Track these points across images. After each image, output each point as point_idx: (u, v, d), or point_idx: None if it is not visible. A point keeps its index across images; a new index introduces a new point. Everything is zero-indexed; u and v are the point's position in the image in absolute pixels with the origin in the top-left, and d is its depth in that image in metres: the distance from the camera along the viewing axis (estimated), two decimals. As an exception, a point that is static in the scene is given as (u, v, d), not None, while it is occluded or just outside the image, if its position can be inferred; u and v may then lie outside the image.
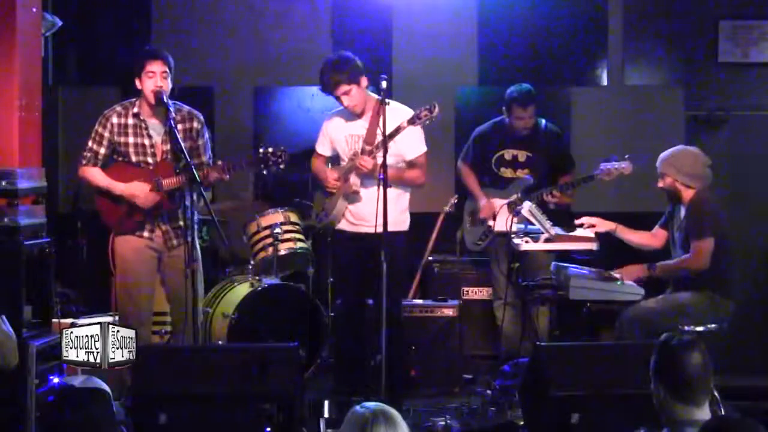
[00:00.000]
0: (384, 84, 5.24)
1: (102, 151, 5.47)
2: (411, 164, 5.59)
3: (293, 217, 6.57)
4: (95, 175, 5.47)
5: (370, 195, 5.43)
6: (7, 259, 4.81)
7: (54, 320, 5.20)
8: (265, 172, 5.56)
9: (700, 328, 5.42)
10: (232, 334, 6.03)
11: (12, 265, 4.81)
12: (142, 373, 4.47)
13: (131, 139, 5.45)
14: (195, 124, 5.58)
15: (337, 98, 5.58)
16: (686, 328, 5.36)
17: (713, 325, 5.50)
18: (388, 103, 5.30)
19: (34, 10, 5.59)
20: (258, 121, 7.89)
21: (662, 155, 5.72)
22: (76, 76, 8.08)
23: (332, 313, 6.34)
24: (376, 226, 5.22)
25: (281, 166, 5.43)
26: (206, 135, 5.66)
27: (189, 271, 5.25)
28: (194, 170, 5.21)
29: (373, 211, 5.22)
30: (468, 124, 7.29)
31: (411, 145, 5.54)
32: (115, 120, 5.46)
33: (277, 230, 6.37)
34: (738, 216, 7.35)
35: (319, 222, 5.95)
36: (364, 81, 5.53)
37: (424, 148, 5.61)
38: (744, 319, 6.41)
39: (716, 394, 4.76)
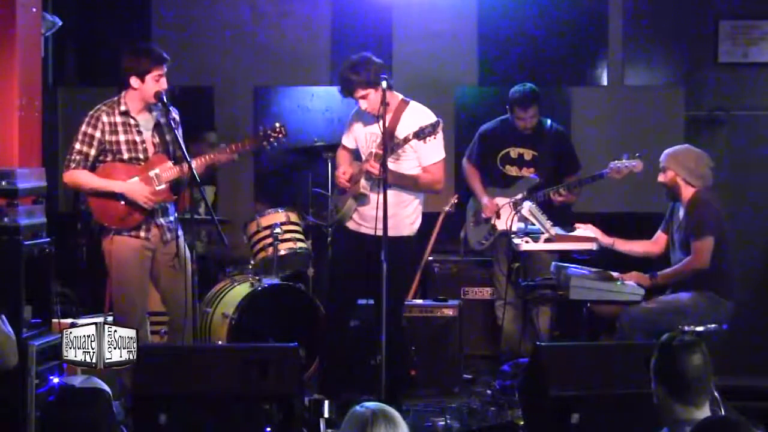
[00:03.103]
0: (384, 84, 5.23)
1: (92, 152, 5.36)
2: (426, 171, 5.51)
3: (293, 217, 6.57)
4: (86, 177, 5.36)
5: (376, 199, 5.39)
6: (7, 259, 4.80)
7: (54, 320, 5.19)
8: (269, 149, 5.60)
9: (700, 328, 5.42)
10: (232, 334, 6.03)
11: (12, 265, 4.80)
12: (142, 373, 4.47)
13: (122, 137, 5.38)
14: (175, 115, 5.53)
15: (356, 101, 5.49)
16: (686, 328, 5.36)
17: (713, 325, 5.50)
18: (388, 104, 5.28)
19: (34, 10, 5.58)
20: (258, 121, 7.88)
21: (667, 150, 5.73)
22: (76, 76, 8.08)
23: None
24: (375, 228, 5.22)
25: (282, 140, 5.57)
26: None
27: (173, 268, 5.39)
28: (193, 169, 5.24)
29: (375, 215, 5.23)
30: (468, 124, 7.29)
31: (429, 151, 5.46)
32: (105, 119, 5.38)
33: (277, 230, 6.37)
34: (738, 216, 7.36)
35: (330, 218, 5.95)
36: (383, 84, 5.35)
37: (442, 155, 5.51)
38: (744, 319, 6.41)
39: (717, 394, 4.76)
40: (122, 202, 5.36)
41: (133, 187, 5.36)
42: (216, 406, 4.46)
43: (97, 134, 5.37)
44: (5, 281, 4.78)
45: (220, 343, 6.06)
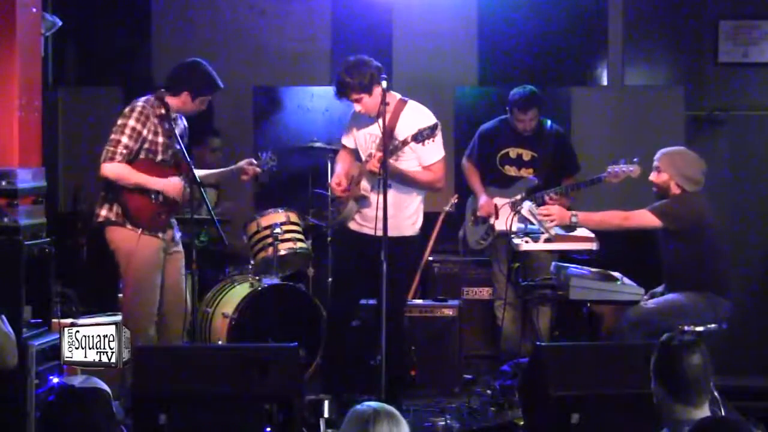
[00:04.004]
0: (384, 84, 5.23)
1: (136, 147, 5.45)
2: (427, 170, 5.52)
3: (293, 217, 6.57)
4: (130, 171, 5.43)
5: (378, 199, 5.40)
6: (7, 259, 4.80)
7: (54, 320, 5.19)
8: (265, 169, 5.88)
9: (700, 328, 5.42)
10: (232, 334, 6.03)
11: (12, 265, 4.80)
12: (142, 373, 4.47)
13: (160, 138, 5.48)
14: (186, 123, 5.71)
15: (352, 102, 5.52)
16: (686, 328, 5.37)
17: (713, 325, 5.51)
18: (388, 104, 5.30)
19: (34, 10, 5.58)
20: (258, 121, 7.89)
21: (664, 150, 5.73)
22: (76, 76, 8.08)
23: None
24: (375, 228, 5.23)
25: (274, 170, 5.94)
26: None
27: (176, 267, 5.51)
28: (194, 170, 5.32)
29: (379, 215, 5.22)
30: (468, 124, 7.29)
31: (428, 151, 5.46)
32: (151, 118, 5.48)
33: (277, 230, 6.37)
34: (738, 216, 7.36)
35: (331, 219, 5.98)
36: (377, 89, 5.36)
37: (442, 154, 5.52)
38: (744, 319, 6.42)
39: (717, 394, 4.76)
40: (154, 202, 5.45)
41: (170, 184, 5.48)
42: (216, 406, 4.47)
43: (144, 132, 5.46)
44: (5, 281, 4.77)
45: (220, 343, 6.06)
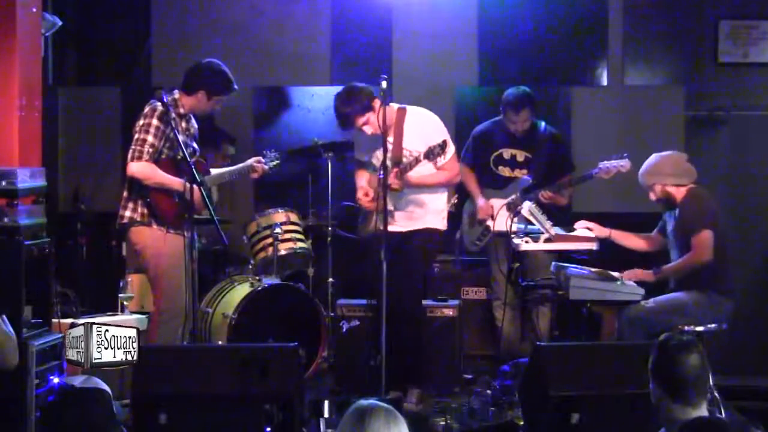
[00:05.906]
0: (384, 84, 5.28)
1: (159, 146, 5.50)
2: (442, 169, 5.79)
3: (293, 217, 6.58)
4: (156, 171, 5.48)
5: (405, 198, 5.71)
6: (7, 259, 4.80)
7: (54, 320, 5.20)
8: (270, 166, 5.99)
9: (700, 328, 5.43)
10: (232, 335, 6.03)
11: (12, 265, 4.80)
12: (142, 373, 4.47)
13: (181, 137, 5.49)
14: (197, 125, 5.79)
15: (360, 130, 5.71)
16: (686, 328, 5.37)
17: (713, 325, 5.51)
18: (389, 104, 5.40)
19: (34, 10, 5.59)
20: (258, 121, 7.89)
21: (641, 171, 5.74)
22: (76, 76, 8.08)
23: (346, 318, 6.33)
24: (379, 226, 5.33)
25: (277, 167, 6.09)
26: None
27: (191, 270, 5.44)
28: (195, 170, 5.31)
29: (405, 213, 5.69)
30: (468, 124, 7.29)
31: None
32: (172, 116, 5.50)
33: (277, 230, 6.38)
34: (738, 216, 7.35)
35: (358, 234, 6.13)
36: (377, 104, 5.59)
37: (453, 150, 5.72)
38: (744, 319, 6.41)
39: (717, 394, 4.76)
40: (177, 200, 5.48)
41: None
42: (216, 406, 4.47)
43: (167, 131, 5.49)
44: (5, 281, 4.78)
45: (220, 343, 6.06)
